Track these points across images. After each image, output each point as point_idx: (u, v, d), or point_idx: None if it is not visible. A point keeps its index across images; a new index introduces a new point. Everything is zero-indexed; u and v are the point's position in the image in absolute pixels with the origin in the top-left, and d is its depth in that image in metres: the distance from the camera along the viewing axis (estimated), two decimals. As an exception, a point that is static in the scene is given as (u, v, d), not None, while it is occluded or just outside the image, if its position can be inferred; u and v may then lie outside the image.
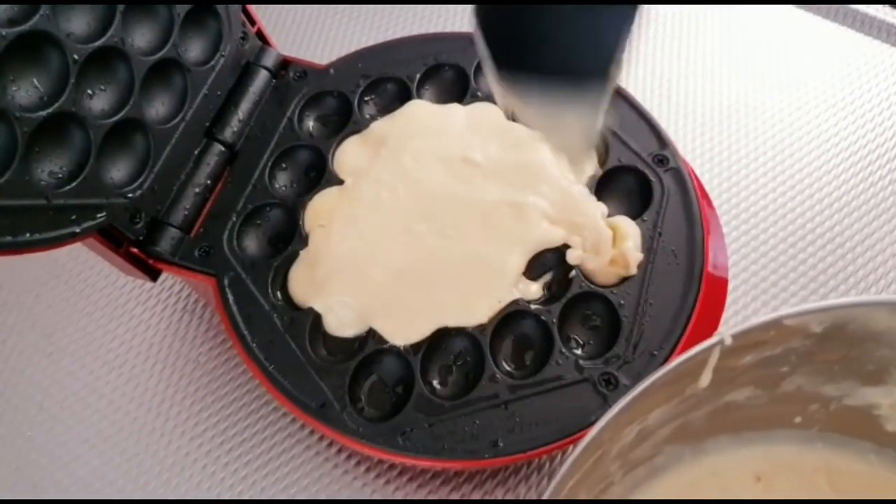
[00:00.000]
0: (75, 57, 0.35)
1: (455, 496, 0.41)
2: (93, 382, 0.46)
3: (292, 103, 0.46)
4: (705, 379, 0.29)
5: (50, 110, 0.34)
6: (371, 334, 0.38)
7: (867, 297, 0.27)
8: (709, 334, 0.28)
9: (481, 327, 0.38)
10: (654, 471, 0.33)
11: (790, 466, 0.34)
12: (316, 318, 0.39)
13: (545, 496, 0.26)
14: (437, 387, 0.38)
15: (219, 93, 0.44)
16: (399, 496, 0.41)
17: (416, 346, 0.38)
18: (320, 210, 0.42)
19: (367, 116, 0.46)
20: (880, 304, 0.28)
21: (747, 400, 0.32)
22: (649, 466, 0.33)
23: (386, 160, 0.43)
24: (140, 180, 0.39)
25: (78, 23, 0.35)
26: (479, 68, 0.47)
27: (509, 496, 0.40)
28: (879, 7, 0.57)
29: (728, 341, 0.27)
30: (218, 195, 0.43)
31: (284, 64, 0.48)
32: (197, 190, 0.42)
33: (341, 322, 0.39)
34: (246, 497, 0.42)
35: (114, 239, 0.39)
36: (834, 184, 0.50)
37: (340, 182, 0.43)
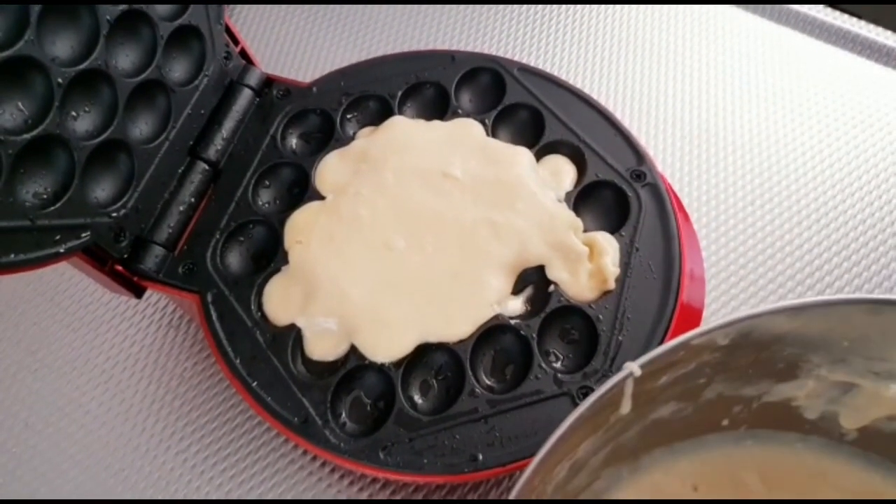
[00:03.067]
0: (59, 80, 0.35)
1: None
2: (78, 398, 0.47)
3: (275, 121, 0.47)
4: (626, 406, 0.30)
5: (34, 133, 0.34)
6: (352, 350, 0.39)
7: (764, 307, 0.29)
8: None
9: (462, 342, 0.39)
10: (596, 494, 0.34)
11: (724, 468, 0.35)
12: (298, 334, 0.40)
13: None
14: (418, 401, 0.38)
15: (202, 112, 0.44)
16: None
17: (397, 362, 0.38)
18: (298, 226, 0.42)
19: (350, 134, 0.47)
20: (777, 311, 0.29)
21: (673, 414, 0.33)
22: (590, 492, 0.34)
23: (366, 176, 0.44)
24: (124, 200, 0.40)
25: (62, 46, 0.36)
26: (459, 86, 0.48)
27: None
28: (856, 22, 0.58)
29: (637, 373, 0.28)
30: (202, 213, 0.44)
31: (268, 82, 0.48)
32: (181, 208, 0.43)
33: (324, 350, 0.39)
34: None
35: (98, 258, 0.39)
36: (812, 195, 0.51)
37: (322, 198, 0.44)
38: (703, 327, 0.29)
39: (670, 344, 0.29)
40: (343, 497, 0.42)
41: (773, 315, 0.29)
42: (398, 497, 0.42)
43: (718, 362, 0.31)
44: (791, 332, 0.30)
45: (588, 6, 0.61)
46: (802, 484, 0.35)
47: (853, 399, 0.33)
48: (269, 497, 0.43)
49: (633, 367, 0.28)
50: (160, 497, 0.43)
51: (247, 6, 0.63)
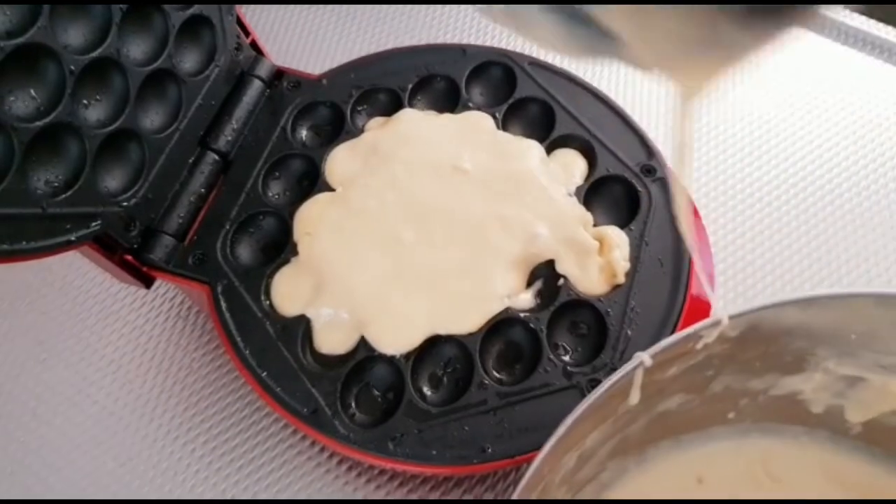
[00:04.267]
0: (72, 68, 0.35)
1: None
2: (86, 388, 0.47)
3: (286, 113, 0.47)
4: (634, 397, 0.30)
5: (46, 120, 0.34)
6: (362, 341, 0.39)
7: (773, 299, 0.29)
8: (694, 341, 0.29)
9: (471, 335, 0.39)
10: (602, 487, 0.35)
11: (729, 460, 0.36)
12: (308, 325, 0.40)
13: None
14: (428, 393, 0.38)
15: (213, 102, 0.44)
16: (390, 500, 0.42)
17: (406, 354, 0.38)
18: (307, 218, 0.42)
19: (360, 126, 0.47)
20: (787, 303, 0.29)
21: (680, 406, 0.33)
22: (596, 483, 0.34)
23: (376, 168, 0.44)
24: (135, 189, 0.40)
25: (75, 34, 0.36)
26: (470, 79, 0.48)
27: (498, 501, 0.41)
28: (865, 20, 0.58)
29: (648, 363, 0.28)
30: (212, 203, 0.44)
31: (278, 74, 0.48)
32: (191, 198, 0.43)
33: (333, 343, 0.39)
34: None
35: (108, 247, 0.39)
36: (819, 193, 0.51)
37: (332, 190, 0.44)
38: (713, 318, 0.29)
39: (681, 334, 0.29)
40: (351, 488, 0.42)
41: (783, 307, 0.29)
42: (406, 488, 0.42)
43: (727, 354, 0.31)
44: (799, 325, 0.30)
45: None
46: (806, 477, 0.35)
47: (860, 393, 0.33)
48: (277, 487, 0.43)
49: (644, 357, 0.28)
50: (168, 486, 0.43)
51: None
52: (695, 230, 0.42)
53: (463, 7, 0.61)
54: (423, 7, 0.62)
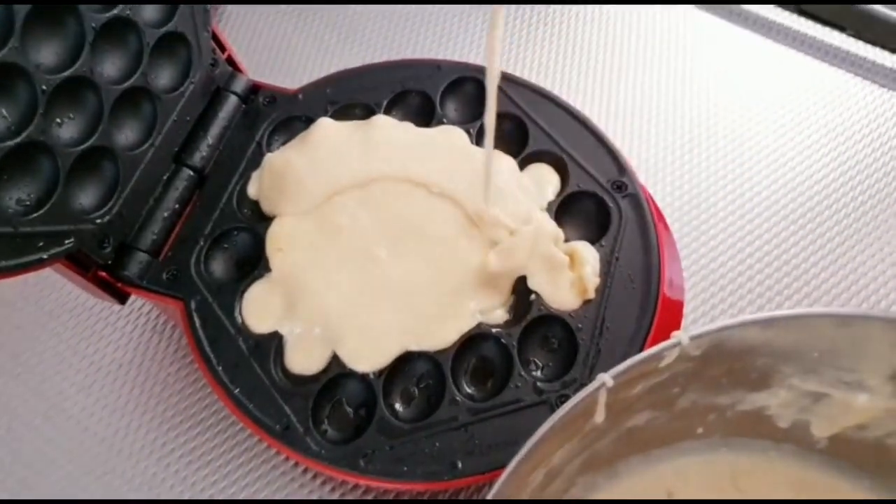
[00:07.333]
0: (44, 87, 0.35)
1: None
2: (61, 403, 0.47)
3: (261, 128, 0.47)
4: (600, 415, 0.30)
5: (18, 140, 0.34)
6: (334, 358, 0.39)
7: (735, 319, 0.29)
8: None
9: (443, 351, 0.39)
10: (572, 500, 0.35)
11: (699, 475, 0.36)
12: (280, 341, 0.40)
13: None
14: (399, 409, 0.39)
15: (188, 118, 0.44)
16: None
17: (379, 370, 0.39)
18: (280, 234, 0.42)
19: (336, 141, 0.47)
20: (748, 323, 0.30)
21: (648, 422, 0.34)
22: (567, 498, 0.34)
23: (350, 184, 0.44)
24: (108, 206, 0.40)
25: (47, 53, 0.36)
26: (444, 94, 0.48)
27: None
28: (837, 35, 0.59)
29: (609, 384, 0.29)
30: (186, 219, 0.44)
31: (254, 89, 0.48)
32: (165, 215, 0.43)
33: (304, 364, 0.39)
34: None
35: (82, 264, 0.39)
36: (791, 207, 0.52)
37: (307, 206, 0.44)
38: (674, 339, 0.29)
39: (642, 355, 0.29)
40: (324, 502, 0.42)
41: (745, 327, 0.30)
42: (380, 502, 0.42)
43: (692, 372, 0.32)
44: (763, 344, 0.31)
45: (573, 15, 0.62)
46: (774, 490, 0.36)
47: (824, 408, 0.34)
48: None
49: (606, 378, 0.29)
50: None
51: (234, 14, 0.63)
52: (665, 246, 0.43)
53: (438, 23, 0.62)
54: (399, 23, 0.62)
